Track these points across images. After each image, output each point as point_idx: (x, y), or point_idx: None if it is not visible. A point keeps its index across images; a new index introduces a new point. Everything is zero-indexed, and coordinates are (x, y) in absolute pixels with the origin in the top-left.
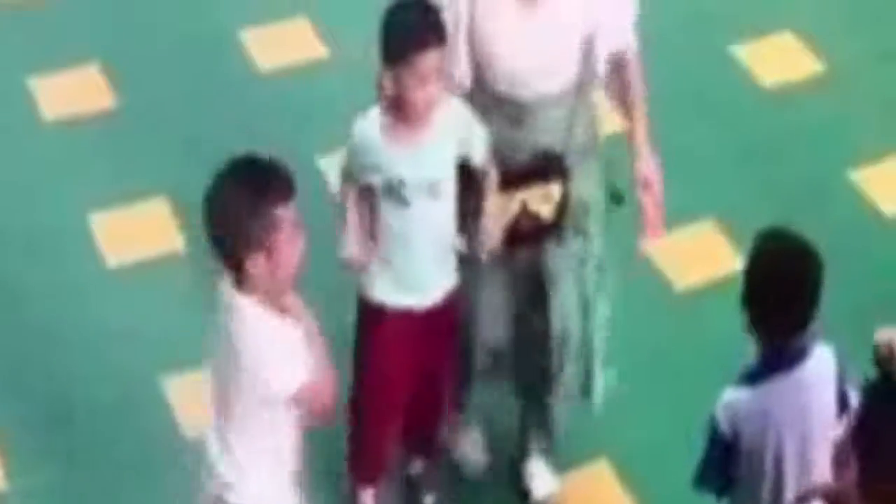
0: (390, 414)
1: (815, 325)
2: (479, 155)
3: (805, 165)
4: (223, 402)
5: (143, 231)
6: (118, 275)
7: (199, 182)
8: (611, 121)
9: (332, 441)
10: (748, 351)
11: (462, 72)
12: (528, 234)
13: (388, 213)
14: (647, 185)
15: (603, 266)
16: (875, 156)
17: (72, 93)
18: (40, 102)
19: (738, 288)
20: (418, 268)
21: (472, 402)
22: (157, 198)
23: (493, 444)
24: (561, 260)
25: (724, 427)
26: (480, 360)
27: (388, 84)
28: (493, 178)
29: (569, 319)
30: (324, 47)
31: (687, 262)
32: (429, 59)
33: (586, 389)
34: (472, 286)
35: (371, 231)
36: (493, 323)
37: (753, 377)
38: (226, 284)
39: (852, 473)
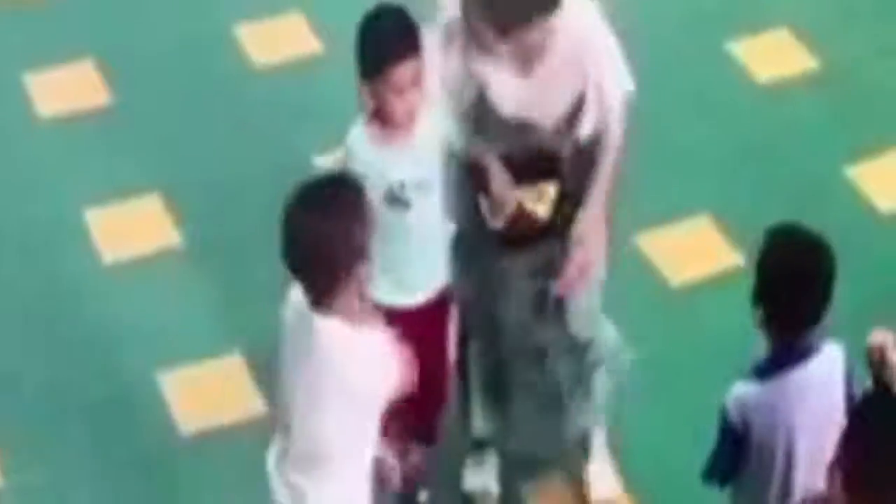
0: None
1: (826, 322)
2: (456, 141)
3: (801, 162)
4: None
5: (138, 227)
6: (114, 271)
7: (195, 178)
8: None
9: None
10: (746, 346)
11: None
12: (525, 234)
13: (388, 217)
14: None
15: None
16: (871, 152)
17: (67, 89)
18: (35, 99)
19: (733, 284)
20: (416, 267)
21: (486, 427)
22: (152, 194)
23: (505, 472)
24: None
25: (735, 420)
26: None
27: (367, 97)
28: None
29: (582, 324)
30: (319, 42)
31: (683, 258)
32: (405, 71)
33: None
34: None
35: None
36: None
37: (763, 371)
38: (308, 311)
39: (839, 480)
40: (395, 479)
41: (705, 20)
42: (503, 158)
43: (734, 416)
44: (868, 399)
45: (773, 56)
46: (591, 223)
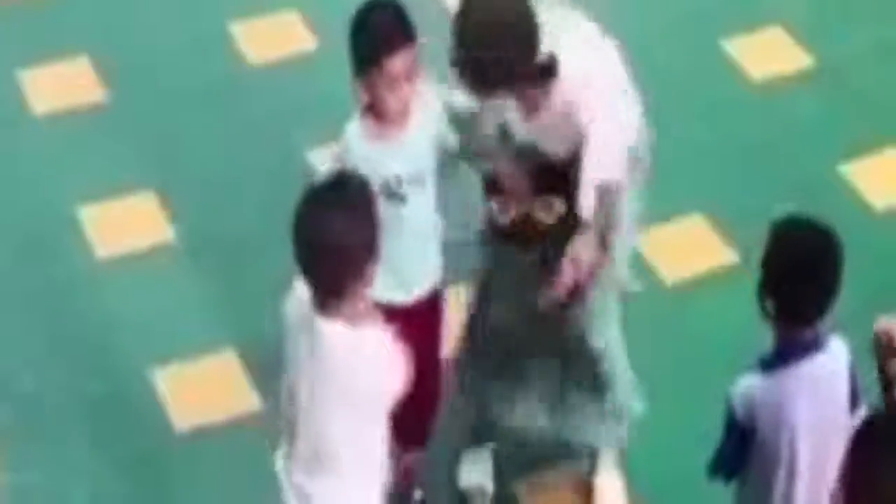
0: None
1: (830, 318)
2: (453, 141)
3: (796, 159)
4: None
5: (133, 224)
6: (108, 268)
7: (189, 175)
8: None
9: None
10: (742, 344)
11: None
12: (527, 237)
13: (384, 212)
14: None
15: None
16: (865, 150)
17: (62, 86)
18: (30, 96)
19: (729, 282)
20: (410, 262)
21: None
22: (147, 191)
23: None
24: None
25: (741, 413)
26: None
27: (362, 92)
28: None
29: (589, 330)
30: (313, 40)
31: (678, 256)
32: (398, 62)
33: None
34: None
35: None
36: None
37: (768, 365)
38: (312, 313)
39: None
40: (389, 478)
41: (700, 18)
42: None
43: (740, 409)
44: (871, 421)
45: (767, 54)
46: (581, 245)
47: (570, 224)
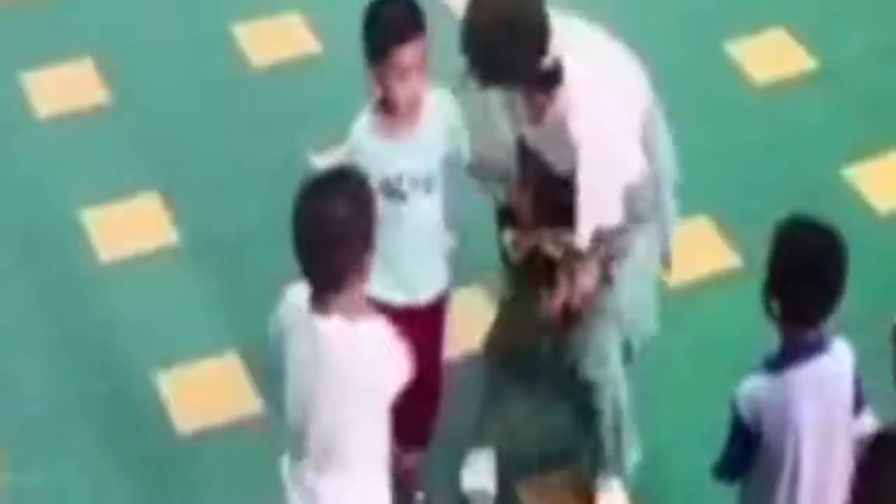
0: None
1: (834, 320)
2: (466, 152)
3: (799, 162)
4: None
5: (136, 226)
6: (112, 269)
7: (193, 177)
8: None
9: None
10: (745, 346)
11: None
12: (539, 270)
13: (385, 210)
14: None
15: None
16: (868, 153)
17: (65, 88)
18: (34, 98)
19: (732, 285)
20: (412, 265)
21: (484, 427)
22: (150, 193)
23: (503, 471)
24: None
25: (746, 415)
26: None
27: (373, 84)
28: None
29: (584, 359)
30: (317, 42)
31: (681, 259)
32: (409, 53)
33: (613, 461)
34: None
35: None
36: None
37: (773, 365)
38: (308, 313)
39: None
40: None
41: (703, 20)
42: (533, 204)
43: (745, 411)
44: (884, 434)
45: (770, 56)
46: (582, 271)
47: (578, 256)
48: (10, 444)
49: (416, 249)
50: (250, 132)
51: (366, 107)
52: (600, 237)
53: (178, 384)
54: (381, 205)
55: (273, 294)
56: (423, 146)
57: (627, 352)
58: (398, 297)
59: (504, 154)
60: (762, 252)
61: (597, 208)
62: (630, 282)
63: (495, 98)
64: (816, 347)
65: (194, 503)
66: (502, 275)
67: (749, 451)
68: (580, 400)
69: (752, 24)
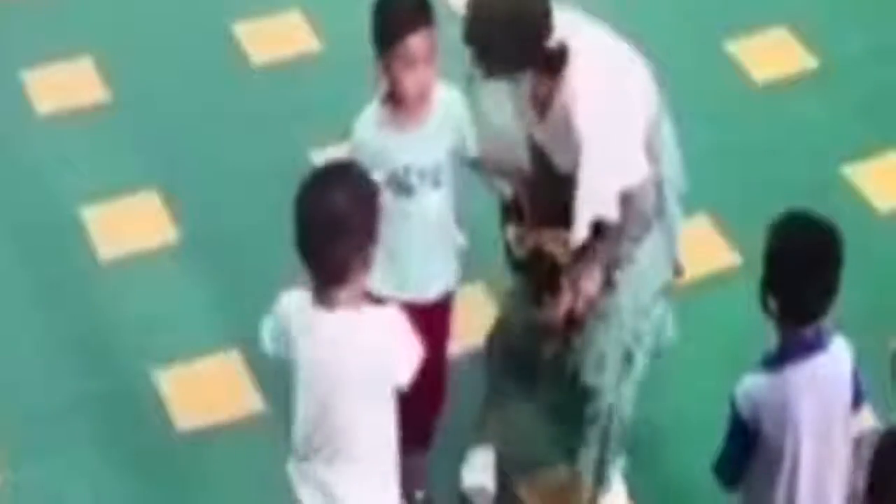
0: None
1: (831, 317)
2: (473, 148)
3: (799, 161)
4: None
5: (136, 224)
6: (111, 267)
7: (193, 175)
8: None
9: None
10: (745, 345)
11: None
12: (543, 272)
13: (391, 204)
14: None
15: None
16: (868, 152)
17: (65, 87)
18: (33, 96)
19: (732, 283)
20: (421, 261)
21: (484, 424)
22: (150, 191)
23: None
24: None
25: (745, 413)
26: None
27: (381, 75)
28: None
29: (584, 365)
30: (317, 41)
31: (681, 257)
32: (418, 42)
33: (598, 474)
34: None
35: None
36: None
37: (772, 363)
38: (312, 310)
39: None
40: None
41: (703, 19)
42: (535, 203)
43: (744, 409)
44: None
45: (771, 55)
46: (585, 274)
47: (581, 256)
48: (8, 442)
49: (425, 245)
50: (251, 130)
51: (370, 102)
52: (604, 238)
53: (178, 382)
54: (389, 200)
55: (274, 292)
56: (431, 139)
57: (629, 361)
58: (406, 294)
59: (512, 150)
60: (762, 250)
61: (594, 202)
62: (632, 288)
63: (503, 93)
64: (814, 345)
65: (194, 501)
66: (505, 272)
67: (748, 450)
68: (578, 406)
69: (753, 23)
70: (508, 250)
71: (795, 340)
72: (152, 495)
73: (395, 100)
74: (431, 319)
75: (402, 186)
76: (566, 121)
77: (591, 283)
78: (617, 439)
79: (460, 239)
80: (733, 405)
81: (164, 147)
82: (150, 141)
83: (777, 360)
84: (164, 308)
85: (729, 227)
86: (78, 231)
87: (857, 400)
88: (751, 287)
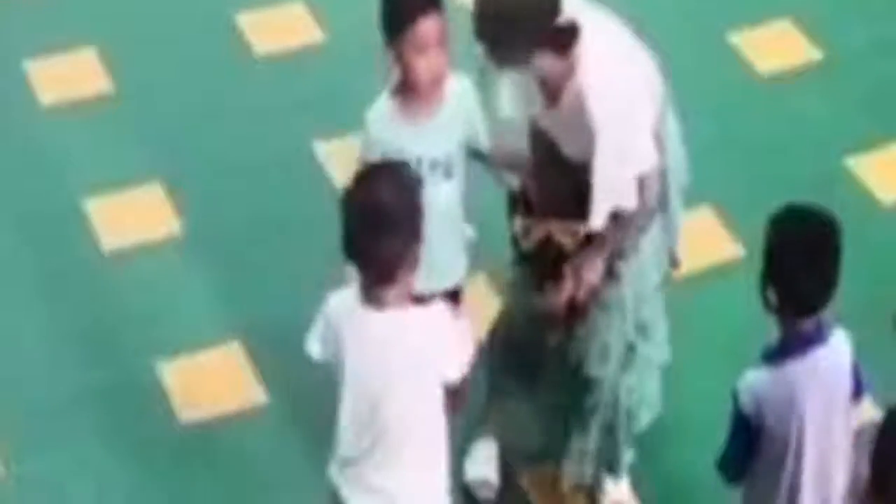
0: None
1: (831, 310)
2: (484, 140)
3: (802, 153)
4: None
5: (139, 216)
6: (114, 259)
7: (196, 167)
8: None
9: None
10: (748, 338)
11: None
12: (550, 262)
13: None
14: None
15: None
16: (872, 144)
17: (69, 78)
18: (37, 87)
19: (735, 275)
20: (432, 252)
21: (487, 417)
22: (153, 183)
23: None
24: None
25: (748, 409)
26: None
27: (393, 64)
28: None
29: (587, 356)
30: (320, 32)
31: (684, 249)
32: (427, 25)
33: (606, 465)
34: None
35: None
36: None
37: (773, 357)
38: (360, 315)
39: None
40: None
41: (707, 11)
42: (546, 194)
43: (746, 403)
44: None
45: (775, 47)
46: (587, 262)
47: (588, 244)
48: (11, 434)
49: (435, 237)
50: (254, 122)
51: (374, 93)
52: (612, 227)
53: (181, 374)
54: None
55: (277, 283)
56: (443, 130)
57: (631, 352)
58: (416, 286)
59: (524, 143)
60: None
61: (613, 191)
62: (634, 279)
63: (516, 86)
64: (815, 338)
65: (197, 493)
66: (510, 265)
67: (751, 444)
68: (579, 396)
69: (757, 16)
70: (515, 242)
71: (796, 334)
72: (155, 487)
73: (407, 89)
74: None
75: None
76: (579, 107)
77: (593, 272)
78: (624, 431)
79: (469, 231)
80: (735, 400)
81: (167, 139)
82: (153, 132)
83: (778, 354)
84: (168, 300)
85: (732, 220)
86: (81, 223)
87: (858, 392)
88: (753, 279)
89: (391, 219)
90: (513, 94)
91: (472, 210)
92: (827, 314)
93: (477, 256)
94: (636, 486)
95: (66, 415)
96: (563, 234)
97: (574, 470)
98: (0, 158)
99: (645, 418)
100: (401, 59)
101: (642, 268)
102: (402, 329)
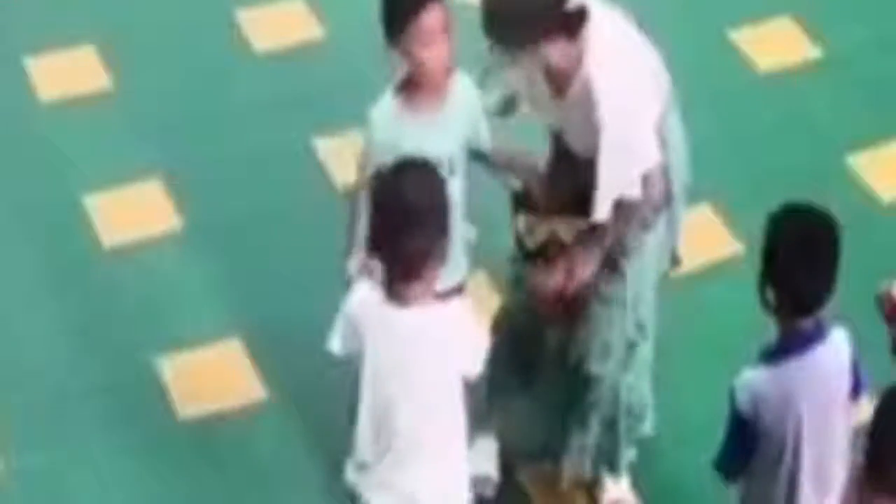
0: None
1: (830, 308)
2: (486, 139)
3: (802, 151)
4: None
5: (139, 211)
6: (114, 255)
7: (196, 163)
8: None
9: (339, 436)
10: (747, 335)
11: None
12: (553, 255)
13: None
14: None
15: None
16: (872, 141)
17: (68, 74)
18: (37, 83)
19: (734, 272)
20: None
21: (487, 413)
22: (153, 178)
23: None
24: (592, 294)
25: (744, 407)
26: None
27: (399, 59)
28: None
29: (588, 354)
30: (320, 28)
31: (683, 246)
32: (430, 17)
33: (606, 462)
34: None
35: None
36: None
37: (771, 356)
38: (384, 311)
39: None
40: None
41: (707, 7)
42: (549, 191)
43: (744, 402)
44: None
45: (774, 44)
46: (582, 257)
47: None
48: (11, 428)
49: None
50: (253, 117)
51: (374, 89)
52: (611, 221)
53: (181, 369)
54: None
55: (276, 280)
56: (447, 127)
57: (632, 349)
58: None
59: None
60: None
61: (616, 188)
62: (635, 277)
63: (522, 84)
64: (814, 337)
65: (195, 488)
66: (511, 262)
67: (748, 443)
68: (579, 394)
69: (757, 12)
70: (519, 240)
71: (795, 332)
72: (155, 482)
73: (414, 84)
74: None
75: None
76: (586, 97)
77: (586, 268)
78: (624, 428)
79: (470, 232)
80: (732, 399)
81: (167, 134)
82: (153, 128)
83: (777, 353)
84: (167, 295)
85: (732, 216)
86: (81, 218)
87: (857, 390)
88: (753, 277)
89: (418, 215)
90: (518, 93)
91: (471, 208)
92: (826, 312)
93: (477, 254)
94: (636, 484)
95: (66, 410)
96: (568, 231)
97: (573, 465)
98: (0, 154)
99: (650, 423)
100: (408, 55)
101: (644, 265)
102: (426, 327)
